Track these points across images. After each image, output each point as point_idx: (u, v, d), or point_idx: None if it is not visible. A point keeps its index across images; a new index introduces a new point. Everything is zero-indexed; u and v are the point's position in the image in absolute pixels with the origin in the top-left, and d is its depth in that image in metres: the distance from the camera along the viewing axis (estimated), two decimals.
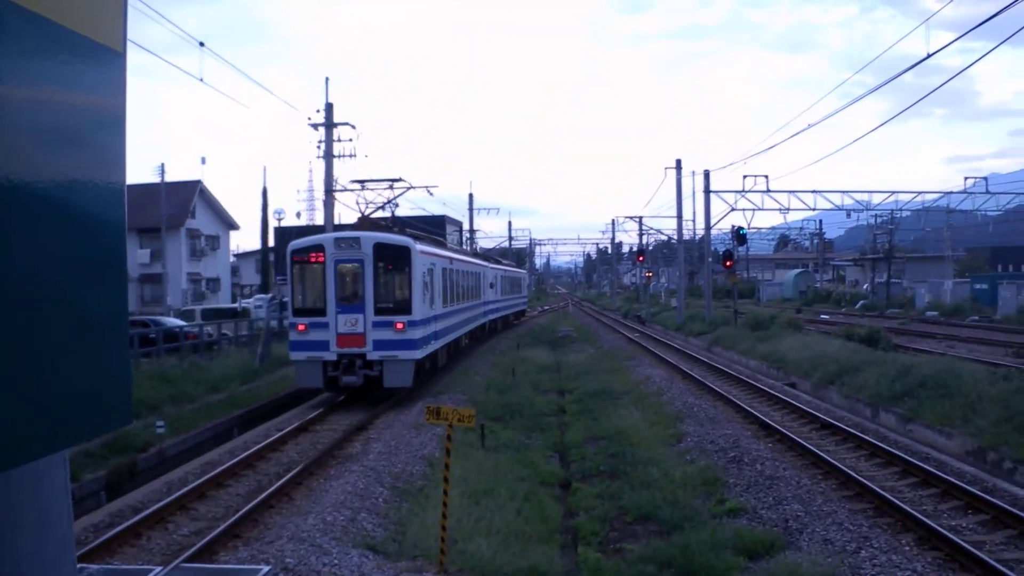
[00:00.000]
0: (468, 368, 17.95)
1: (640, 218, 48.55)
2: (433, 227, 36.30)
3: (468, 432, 10.12)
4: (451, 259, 20.13)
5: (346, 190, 21.98)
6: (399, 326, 14.63)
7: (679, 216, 34.56)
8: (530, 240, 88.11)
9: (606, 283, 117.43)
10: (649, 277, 47.53)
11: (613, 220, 67.46)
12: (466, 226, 47.10)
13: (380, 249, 15.10)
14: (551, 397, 14.99)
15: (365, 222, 17.71)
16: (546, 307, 56.94)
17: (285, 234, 29.46)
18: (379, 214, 19.92)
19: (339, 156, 21.48)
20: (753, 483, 7.76)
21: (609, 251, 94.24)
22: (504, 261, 49.31)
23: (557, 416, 12.92)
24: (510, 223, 69.32)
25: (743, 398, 13.50)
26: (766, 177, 27.40)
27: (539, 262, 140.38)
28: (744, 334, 23.00)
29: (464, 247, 39.54)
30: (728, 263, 26.72)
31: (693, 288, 71.13)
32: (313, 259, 15.28)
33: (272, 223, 42.92)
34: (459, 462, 8.34)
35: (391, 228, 17.88)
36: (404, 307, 14.74)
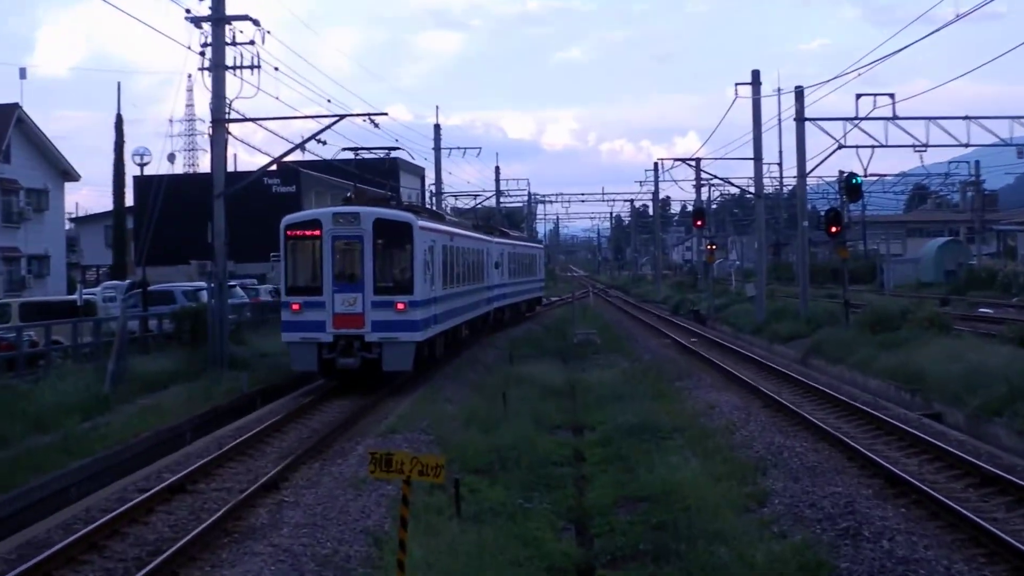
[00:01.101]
0: (437, 390, 19.23)
1: (696, 162, 47.65)
2: (380, 177, 37.96)
3: (435, 491, 9.43)
4: (451, 234, 25.14)
5: (247, 120, 22.38)
6: (400, 306, 20.07)
7: (757, 158, 33.01)
8: (528, 196, 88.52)
9: (646, 261, 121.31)
10: (712, 251, 47.04)
11: (657, 165, 66.65)
12: (432, 177, 51.22)
13: (380, 225, 20.33)
14: (562, 436, 15.29)
15: (362, 195, 22.44)
16: (554, 298, 58.95)
17: (148, 187, 28.66)
18: (295, 157, 23.43)
19: (235, 68, 21.52)
20: (879, 571, 7.27)
21: (651, 212, 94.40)
22: (513, 233, 51.71)
23: (572, 466, 12.76)
24: (497, 169, 70.03)
25: (859, 437, 13.23)
26: (891, 97, 26.28)
27: (542, 229, 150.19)
28: (860, 338, 22.83)
29: (433, 207, 40.92)
30: (834, 228, 24.86)
31: (779, 267, 70.79)
32: (308, 234, 20.44)
33: (131, 170, 43.47)
34: (421, 539, 7.70)
35: (388, 202, 23.50)
36: (406, 286, 20.14)
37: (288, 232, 20.97)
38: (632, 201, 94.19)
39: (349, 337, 20.20)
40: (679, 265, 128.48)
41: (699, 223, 44.47)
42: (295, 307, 20.47)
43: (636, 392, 18.62)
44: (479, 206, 61.46)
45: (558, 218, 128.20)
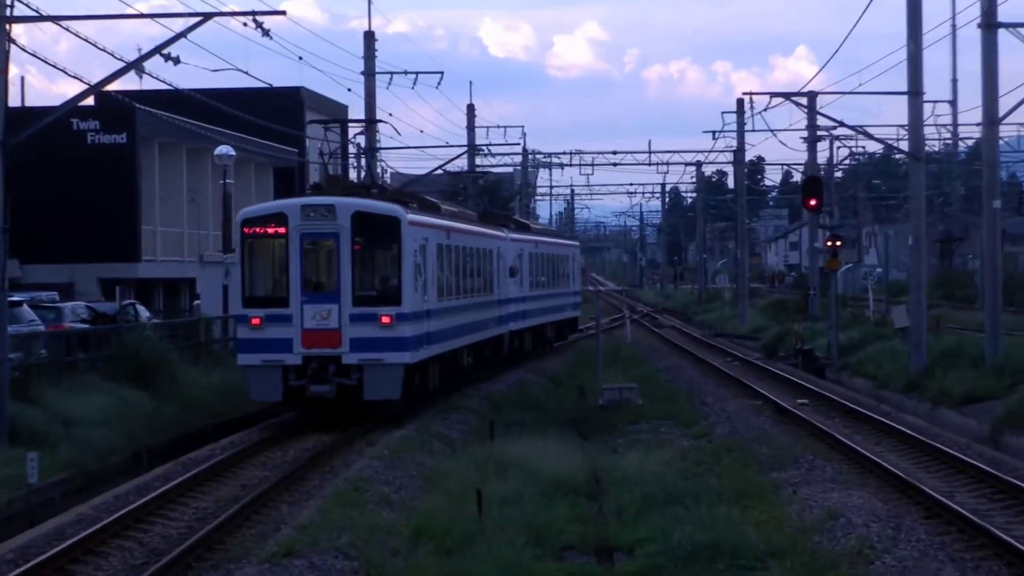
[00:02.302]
0: (362, 480, 20.01)
1: (810, 99, 49.14)
2: (273, 120, 43.86)
3: None
4: (448, 230, 31.37)
5: (42, 18, 22.89)
6: (385, 320, 25.95)
7: (914, 93, 32.83)
8: (523, 155, 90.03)
9: (721, 266, 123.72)
10: (835, 249, 48.10)
11: (743, 104, 66.75)
12: (361, 120, 54.17)
13: (361, 220, 26.27)
14: (578, 564, 15.59)
15: (336, 182, 28.59)
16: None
17: None
18: (126, 84, 29.15)
19: None
20: None
21: (731, 184, 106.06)
22: (536, 225, 57.43)
23: None
24: (471, 110, 69.81)
25: None
26: None
27: (545, 211, 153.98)
28: None
29: (363, 173, 45.37)
30: None
31: (950, 277, 70.94)
32: (271, 231, 26.60)
33: None
34: None
35: (370, 190, 29.29)
36: (391, 296, 26.36)
37: (245, 229, 26.49)
38: (699, 165, 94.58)
39: (322, 359, 25.70)
40: (778, 273, 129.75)
41: (813, 202, 43.93)
42: (255, 322, 26.01)
43: (703, 490, 19.03)
44: (441, 172, 61.92)
45: (572, 193, 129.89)
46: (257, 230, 26.62)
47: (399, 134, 55.98)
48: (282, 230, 26.12)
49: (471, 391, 34.01)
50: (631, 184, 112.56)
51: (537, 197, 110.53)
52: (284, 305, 25.99)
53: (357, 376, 25.68)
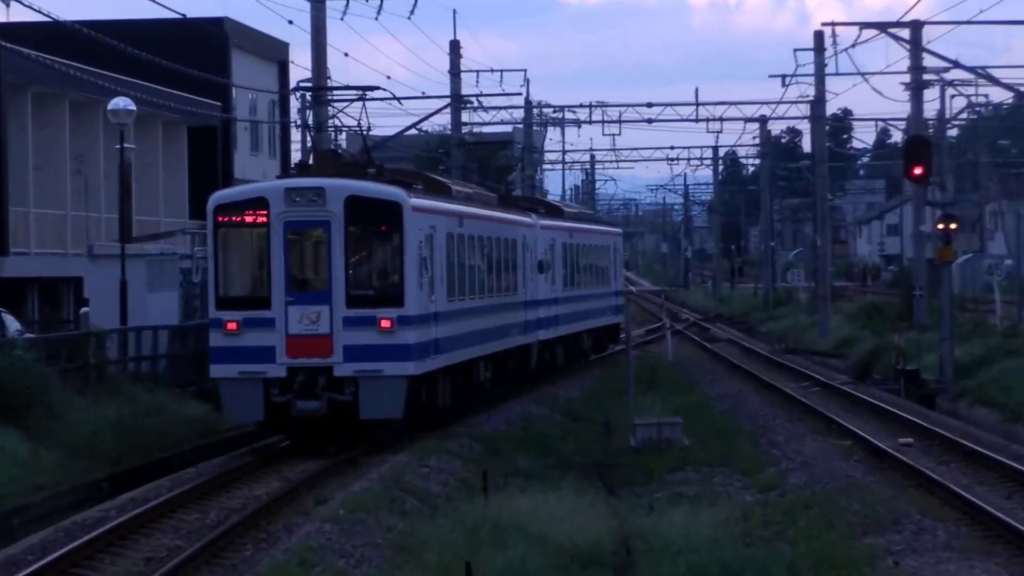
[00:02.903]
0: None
1: (913, 31, 51.00)
2: (184, 61, 44.98)
3: None
4: (461, 216, 35.06)
5: None
6: (385, 324, 29.49)
7: None
8: (524, 106, 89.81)
9: (794, 256, 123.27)
10: (948, 232, 47.95)
11: (823, 38, 66.75)
12: (307, 64, 51.39)
13: (356, 205, 29.73)
14: None
15: (326, 161, 32.71)
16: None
17: None
18: None
19: None
20: None
21: (810, 147, 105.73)
22: (569, 208, 61.10)
23: None
24: (455, 46, 70.08)
25: None
26: None
27: (556, 184, 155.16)
28: None
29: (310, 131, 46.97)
30: None
31: None
32: (249, 219, 30.11)
33: None
34: None
35: (366, 170, 32.28)
36: (392, 295, 30.03)
37: (218, 216, 30.03)
38: (763, 121, 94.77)
39: (311, 370, 29.26)
40: (871, 268, 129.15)
41: (918, 171, 44.54)
42: (230, 326, 29.63)
43: (772, 561, 19.01)
44: (416, 132, 61.84)
45: (593, 160, 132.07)
46: (232, 218, 30.10)
47: (400, 103, 56.83)
48: (262, 218, 29.57)
49: (491, 412, 36.97)
50: (672, 148, 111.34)
51: (546, 165, 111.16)
52: (265, 307, 29.54)
53: (352, 390, 29.20)
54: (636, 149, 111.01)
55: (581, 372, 50.96)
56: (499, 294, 38.54)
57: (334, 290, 29.31)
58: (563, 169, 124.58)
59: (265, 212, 29.42)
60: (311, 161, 33.47)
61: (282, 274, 29.33)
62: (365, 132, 37.94)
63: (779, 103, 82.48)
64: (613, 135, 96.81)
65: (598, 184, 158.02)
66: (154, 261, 54.36)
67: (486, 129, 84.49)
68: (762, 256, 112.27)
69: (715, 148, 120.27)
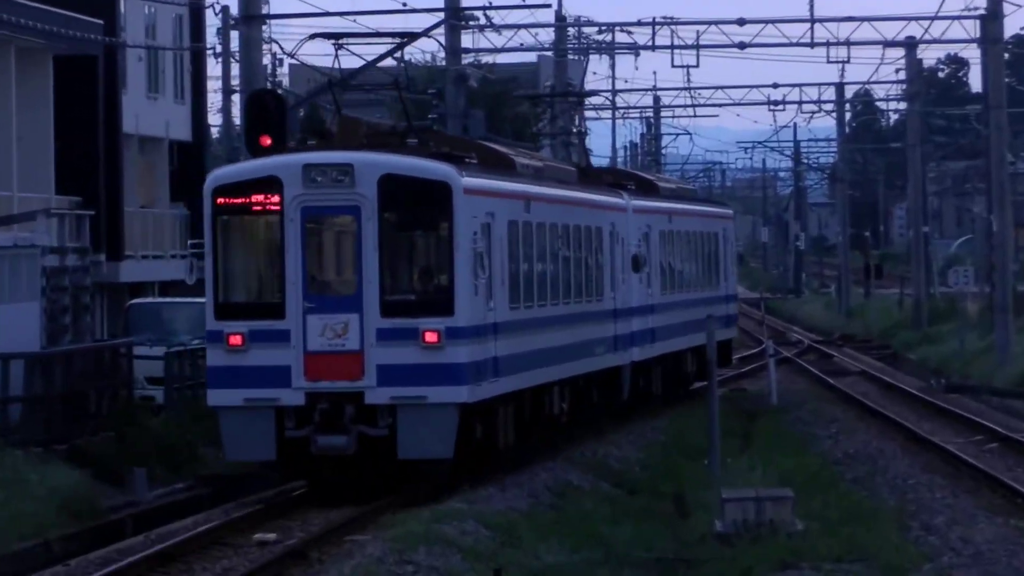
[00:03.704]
0: None
1: None
2: None
3: None
4: (528, 197, 37.82)
5: None
6: (431, 337, 32.40)
7: None
8: (557, 25, 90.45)
9: (958, 248, 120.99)
10: None
11: None
12: None
13: (393, 186, 32.64)
14: None
15: (354, 128, 36.07)
16: None
17: None
18: None
19: None
20: None
21: (980, 85, 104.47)
22: (666, 183, 65.60)
23: None
24: None
25: None
26: None
27: (600, 140, 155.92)
28: None
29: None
30: None
31: None
32: (257, 205, 32.99)
33: None
34: None
35: (405, 139, 35.61)
36: (439, 300, 32.97)
37: (218, 200, 32.70)
38: (910, 47, 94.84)
39: (336, 396, 32.01)
40: None
41: None
42: (234, 341, 32.39)
43: None
44: (396, 63, 62.17)
45: (658, 106, 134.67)
46: (236, 202, 32.56)
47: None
48: (274, 203, 32.14)
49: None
50: (775, 86, 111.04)
51: (588, 113, 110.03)
52: (278, 315, 32.35)
53: (388, 422, 32.01)
54: (722, 88, 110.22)
55: (684, 407, 52.83)
56: (579, 300, 40.96)
57: (365, 294, 31.72)
58: (613, 118, 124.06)
59: (278, 195, 31.80)
60: (334, 129, 35.78)
61: (299, 274, 31.75)
62: (401, 83, 41.14)
63: (935, 18, 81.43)
64: (687, 67, 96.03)
65: (665, 141, 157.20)
66: (3, 257, 54.25)
67: (499, 59, 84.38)
68: (911, 248, 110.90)
69: (840, 86, 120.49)
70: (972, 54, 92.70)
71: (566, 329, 39.58)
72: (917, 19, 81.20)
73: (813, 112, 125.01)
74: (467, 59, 71.55)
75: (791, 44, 78.75)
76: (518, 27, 75.10)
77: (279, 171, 32.23)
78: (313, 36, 43.03)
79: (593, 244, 42.61)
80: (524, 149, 50.04)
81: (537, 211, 37.15)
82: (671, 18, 78.70)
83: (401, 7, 65.74)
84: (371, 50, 59.30)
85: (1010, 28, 68.74)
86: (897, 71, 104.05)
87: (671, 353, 53.47)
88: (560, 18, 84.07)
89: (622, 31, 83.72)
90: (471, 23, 69.98)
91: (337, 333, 31.61)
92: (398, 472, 32.15)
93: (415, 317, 31.85)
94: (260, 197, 32.15)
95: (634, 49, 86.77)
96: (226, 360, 32.06)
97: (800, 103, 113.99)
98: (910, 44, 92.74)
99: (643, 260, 47.85)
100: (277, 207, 31.82)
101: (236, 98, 59.90)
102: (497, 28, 73.48)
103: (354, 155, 32.28)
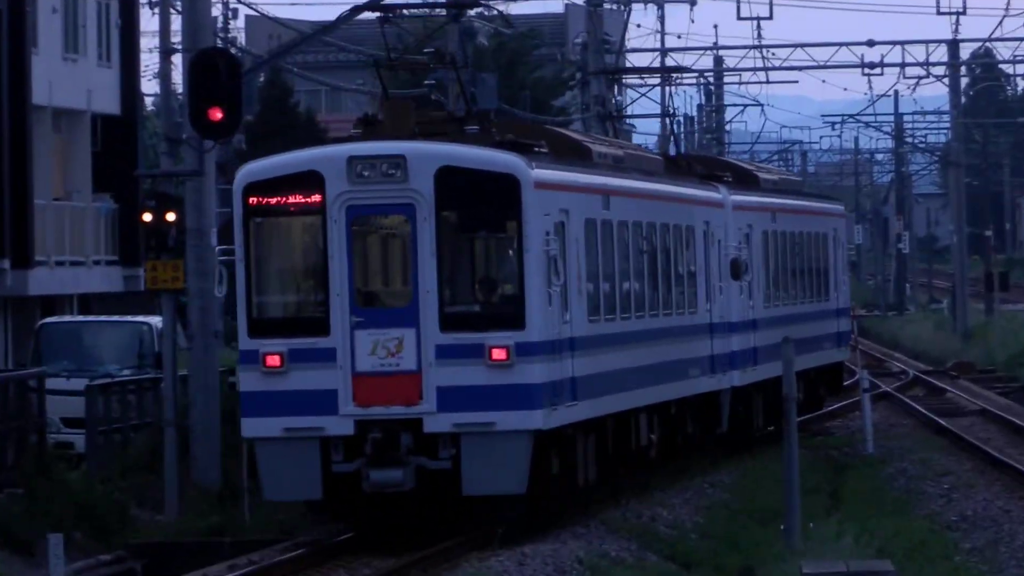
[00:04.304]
0: None
1: None
2: None
3: None
4: (606, 191, 39.98)
5: None
6: (499, 354, 34.75)
7: None
8: None
9: None
10: None
11: None
12: None
13: (452, 181, 34.64)
14: None
15: (403, 113, 36.62)
16: None
17: None
18: None
19: None
20: None
21: None
22: (768, 173, 68.68)
23: None
24: None
25: None
26: None
27: (646, 111, 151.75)
28: None
29: None
30: None
31: None
32: (296, 204, 35.12)
33: None
34: None
35: (463, 125, 37.56)
36: (508, 313, 35.34)
37: (250, 200, 34.74)
38: None
39: (389, 424, 34.04)
40: None
41: None
42: (271, 362, 34.53)
43: None
44: (379, 15, 62.45)
45: (720, 66, 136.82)
46: (270, 202, 34.34)
47: None
48: (315, 202, 33.94)
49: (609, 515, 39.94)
50: (869, 45, 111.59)
51: (629, 78, 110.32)
52: (321, 332, 34.67)
53: (450, 453, 33.91)
54: (802, 47, 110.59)
55: (755, 454, 53.50)
56: (668, 312, 42.48)
57: (422, 306, 33.33)
58: (662, 85, 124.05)
59: (319, 192, 33.36)
60: (380, 115, 36.85)
61: (345, 283, 33.46)
62: (458, 61, 42.97)
63: None
64: (757, 20, 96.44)
65: (729, 113, 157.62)
66: None
67: (513, 9, 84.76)
68: None
69: (953, 44, 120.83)
70: None
71: (654, 346, 41.09)
72: None
73: (919, 78, 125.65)
74: (475, 11, 71.84)
75: None
76: None
77: (320, 165, 33.74)
78: None
79: (685, 246, 44.24)
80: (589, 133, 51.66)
81: (618, 207, 38.64)
82: None
83: None
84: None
85: None
86: None
87: (775, 378, 51.32)
88: None
89: None
90: None
91: (390, 351, 33.42)
92: (459, 509, 33.98)
93: (480, 331, 33.66)
94: (299, 196, 33.77)
95: None
96: (262, 384, 33.79)
97: (903, 65, 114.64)
98: None
99: (744, 266, 49.04)
100: (318, 206, 33.37)
101: (177, 59, 59.90)
102: None
103: (407, 145, 33.69)
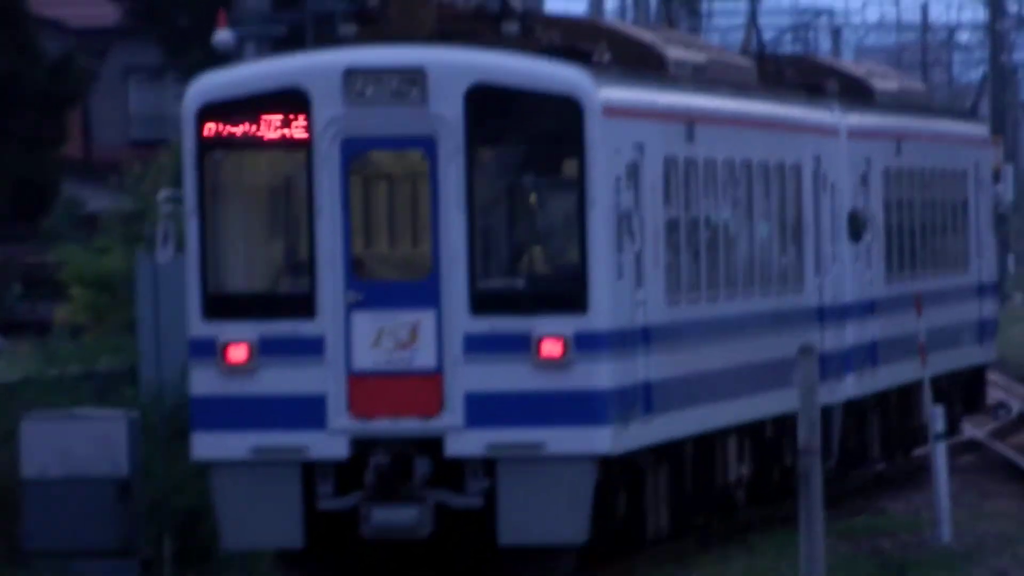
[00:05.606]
0: None
1: None
2: None
3: None
4: (690, 118, 33.61)
5: None
6: (551, 347, 30.54)
7: None
8: None
9: None
10: None
11: None
12: None
13: (488, 105, 30.43)
14: None
15: (422, 12, 31.40)
16: None
17: None
18: None
19: None
20: None
21: None
22: (883, 83, 57.31)
23: None
24: None
25: None
26: None
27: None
28: None
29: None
30: None
31: None
32: (270, 136, 30.34)
33: None
34: None
35: (499, 26, 33.52)
36: (565, 289, 31.04)
37: (206, 127, 28.13)
38: None
39: (399, 444, 29.07)
40: None
41: None
42: (234, 355, 28.91)
43: None
44: None
45: None
46: (235, 131, 27.78)
47: None
48: (300, 131, 27.62)
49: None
50: None
51: None
52: (304, 313, 28.66)
53: (482, 487, 28.19)
54: None
55: (784, 526, 41.46)
56: (767, 291, 35.66)
57: (445, 279, 28.00)
58: None
59: (304, 118, 27.30)
60: (392, 9, 28.52)
61: (338, 247, 27.97)
62: None
63: None
64: None
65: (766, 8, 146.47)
66: None
67: None
68: None
69: None
70: None
71: (748, 340, 35.31)
72: None
73: None
74: None
75: None
76: None
77: (305, 79, 26.71)
78: None
79: (788, 193, 37.66)
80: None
81: (705, 139, 32.15)
82: None
83: None
84: None
85: None
86: None
87: (897, 388, 48.57)
88: None
89: None
90: None
91: (400, 342, 27.52)
92: (493, 560, 27.58)
93: (526, 315, 27.47)
94: (275, 121, 27.01)
95: None
96: (221, 387, 27.60)
97: None
98: None
99: (865, 223, 41.31)
100: (304, 137, 26.57)
101: None
102: None
103: (427, 52, 26.87)
